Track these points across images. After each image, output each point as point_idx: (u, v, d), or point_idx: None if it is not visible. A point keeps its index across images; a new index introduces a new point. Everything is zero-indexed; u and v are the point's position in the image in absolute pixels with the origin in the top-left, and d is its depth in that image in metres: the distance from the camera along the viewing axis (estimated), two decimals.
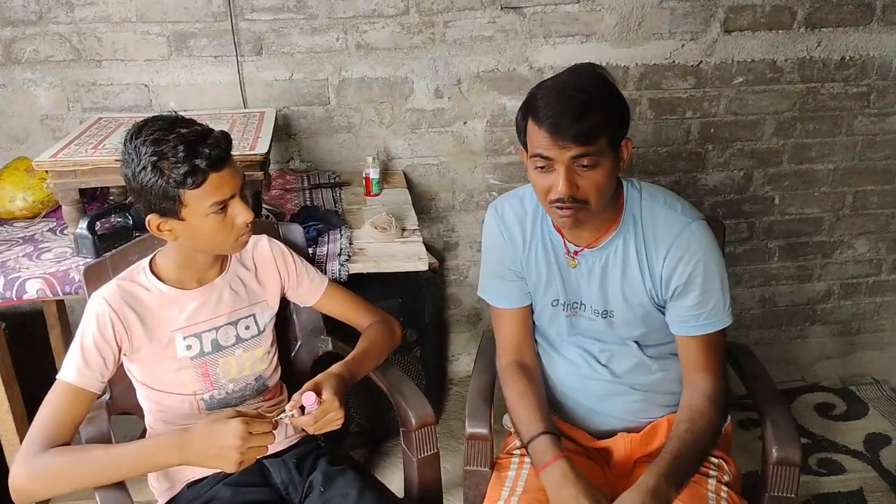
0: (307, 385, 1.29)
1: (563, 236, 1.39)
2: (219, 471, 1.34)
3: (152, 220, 1.26)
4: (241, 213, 1.28)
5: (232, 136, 1.30)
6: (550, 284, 1.42)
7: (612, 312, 1.40)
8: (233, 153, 1.28)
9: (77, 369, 1.25)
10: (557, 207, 1.24)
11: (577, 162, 1.20)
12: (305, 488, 1.41)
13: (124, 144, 1.23)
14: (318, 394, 1.27)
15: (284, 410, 1.26)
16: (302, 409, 1.26)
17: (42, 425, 1.21)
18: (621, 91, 1.27)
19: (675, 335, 1.38)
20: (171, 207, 1.23)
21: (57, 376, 1.26)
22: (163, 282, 1.37)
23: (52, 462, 1.18)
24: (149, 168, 1.19)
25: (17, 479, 1.17)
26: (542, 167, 1.23)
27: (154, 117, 1.24)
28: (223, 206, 1.25)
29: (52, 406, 1.23)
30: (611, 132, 1.21)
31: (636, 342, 1.43)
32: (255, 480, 1.41)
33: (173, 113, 1.26)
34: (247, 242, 1.36)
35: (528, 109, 1.24)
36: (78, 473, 1.18)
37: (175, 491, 1.40)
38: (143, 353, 1.34)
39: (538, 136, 1.21)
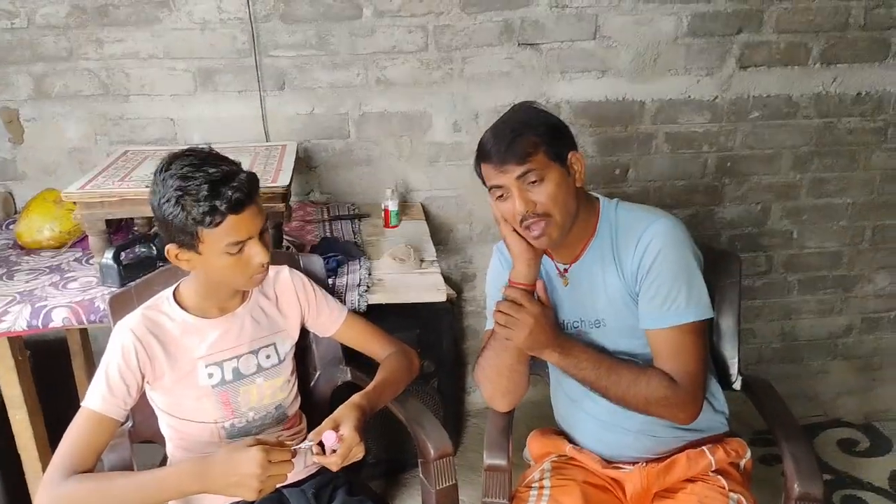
0: (327, 422, 1.29)
1: (552, 258, 1.47)
2: (238, 499, 1.34)
3: (171, 249, 1.29)
4: (257, 255, 1.29)
5: (255, 170, 1.33)
6: (552, 304, 1.46)
7: (602, 321, 1.43)
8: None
9: (101, 397, 1.27)
10: (526, 227, 1.34)
11: (524, 180, 1.32)
12: None
13: (155, 174, 1.27)
14: (337, 430, 1.27)
15: (305, 439, 1.26)
16: (321, 444, 1.27)
17: (66, 452, 1.23)
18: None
19: (645, 332, 1.39)
20: (188, 241, 1.26)
21: (82, 404, 1.28)
22: (186, 311, 1.39)
23: (76, 489, 1.19)
24: (172, 201, 1.22)
25: None
26: (500, 196, 1.35)
27: (188, 151, 1.27)
28: (240, 247, 1.27)
29: (76, 433, 1.25)
30: (546, 148, 1.32)
31: (636, 356, 1.43)
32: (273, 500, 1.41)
33: (207, 147, 1.30)
34: (261, 280, 1.38)
35: (478, 153, 1.39)
36: (100, 500, 1.20)
37: None
38: (165, 381, 1.36)
39: (488, 171, 1.35)
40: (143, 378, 1.33)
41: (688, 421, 1.38)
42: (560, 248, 1.44)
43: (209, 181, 1.21)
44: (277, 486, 1.20)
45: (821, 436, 2.54)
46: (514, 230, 1.36)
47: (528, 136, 1.31)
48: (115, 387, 1.28)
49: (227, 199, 1.22)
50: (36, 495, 1.21)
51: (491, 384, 1.47)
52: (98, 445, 1.26)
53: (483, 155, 1.36)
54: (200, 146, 1.30)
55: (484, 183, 1.40)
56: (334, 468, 1.27)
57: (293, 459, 1.20)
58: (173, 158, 1.26)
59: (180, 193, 1.22)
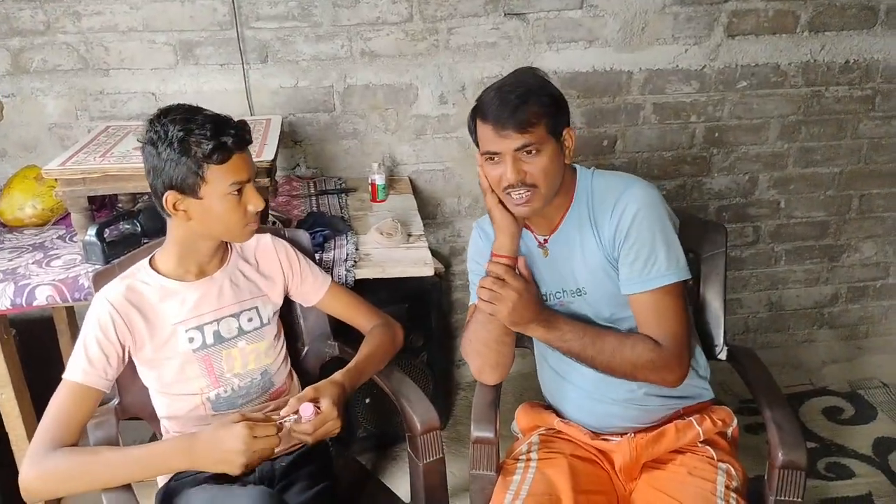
0: (308, 391, 1.31)
1: (531, 230, 1.46)
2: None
3: (170, 197, 1.29)
4: (253, 200, 1.33)
5: None
6: (534, 278, 1.46)
7: (583, 289, 1.43)
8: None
9: (82, 369, 1.27)
10: (510, 194, 1.33)
11: (522, 150, 1.30)
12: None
13: (150, 123, 1.28)
14: (317, 402, 1.29)
15: (288, 413, 1.27)
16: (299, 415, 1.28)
17: (49, 425, 1.23)
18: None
19: (626, 297, 1.39)
20: (191, 184, 1.27)
21: (63, 376, 1.28)
22: (163, 276, 1.39)
23: (62, 462, 1.19)
24: (176, 144, 1.24)
25: (26, 480, 1.19)
26: (491, 159, 1.34)
27: (178, 104, 1.31)
28: (240, 190, 1.30)
29: (58, 405, 1.25)
30: (548, 121, 1.32)
31: (617, 325, 1.43)
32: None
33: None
34: (253, 233, 1.39)
35: (476, 111, 1.36)
36: (87, 474, 1.20)
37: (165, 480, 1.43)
38: (147, 350, 1.36)
39: (485, 132, 1.33)
40: (123, 348, 1.33)
41: (676, 383, 1.39)
42: (539, 220, 1.44)
43: (212, 121, 1.26)
44: (264, 459, 1.20)
45: (806, 404, 2.57)
46: (500, 202, 1.35)
47: (532, 105, 1.30)
48: (95, 358, 1.28)
49: (232, 135, 1.27)
50: (21, 468, 1.20)
51: (479, 357, 1.47)
52: (81, 417, 1.27)
53: (483, 115, 1.33)
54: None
55: (475, 139, 1.38)
56: (308, 440, 1.29)
57: (280, 434, 1.21)
58: (167, 109, 1.29)
59: (184, 134, 1.24)
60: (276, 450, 1.23)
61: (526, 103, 1.29)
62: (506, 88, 1.32)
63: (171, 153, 1.25)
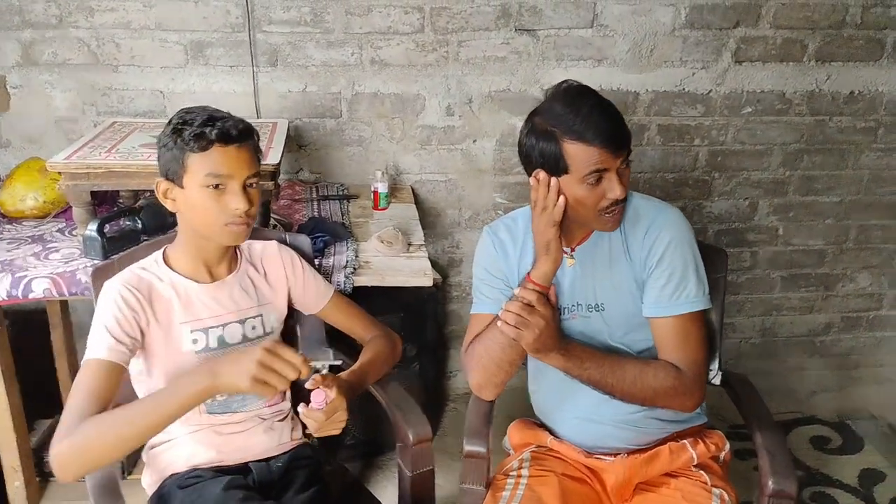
0: (322, 377, 1.29)
1: None
2: (200, 463, 1.38)
3: (161, 184, 1.33)
4: (235, 199, 1.29)
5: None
6: None
7: (602, 305, 1.43)
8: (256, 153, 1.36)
9: (105, 346, 1.24)
10: (609, 213, 1.33)
11: (623, 164, 1.31)
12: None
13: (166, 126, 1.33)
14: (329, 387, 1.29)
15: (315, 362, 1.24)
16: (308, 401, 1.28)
17: (76, 404, 1.18)
18: (632, 115, 1.43)
19: (649, 319, 1.40)
20: (175, 171, 1.29)
21: (84, 358, 1.24)
22: (176, 272, 1.39)
23: (90, 427, 1.14)
24: (170, 129, 1.29)
25: (59, 454, 1.13)
26: (593, 183, 1.29)
27: (205, 107, 1.34)
28: (218, 183, 1.29)
29: (84, 384, 1.21)
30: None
31: (629, 346, 1.44)
32: (237, 470, 1.42)
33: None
34: (239, 236, 1.36)
35: (569, 133, 1.28)
36: (118, 429, 1.14)
37: (159, 483, 1.42)
38: (153, 342, 1.35)
39: (591, 155, 1.27)
40: (139, 329, 1.31)
41: (693, 408, 1.41)
42: (569, 232, 1.42)
43: (209, 115, 1.30)
44: (278, 388, 1.14)
45: (794, 432, 2.57)
46: (559, 236, 1.32)
47: (621, 117, 1.32)
48: (117, 334, 1.26)
49: (218, 127, 1.28)
50: (51, 449, 1.14)
51: (485, 373, 1.44)
52: (108, 394, 1.21)
53: (581, 136, 1.26)
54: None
55: (555, 161, 1.30)
56: (314, 426, 1.28)
57: (301, 367, 1.15)
58: (190, 108, 1.33)
59: (179, 122, 1.29)
60: (283, 438, 1.18)
61: (620, 116, 1.31)
62: (598, 107, 1.29)
63: (165, 139, 1.30)
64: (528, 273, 1.36)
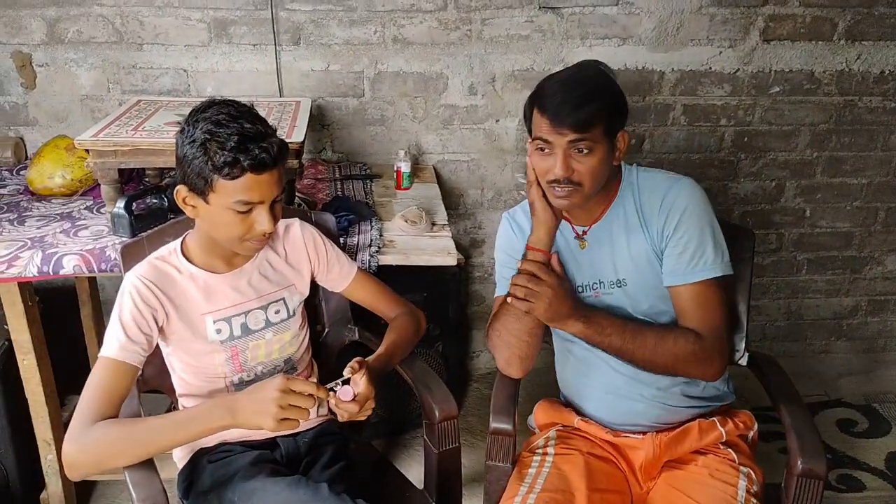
0: (354, 362, 1.31)
1: (569, 221, 1.46)
2: (229, 438, 1.40)
3: (181, 190, 1.28)
4: (262, 222, 1.27)
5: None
6: (566, 271, 1.46)
7: (623, 281, 1.43)
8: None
9: (119, 345, 1.26)
10: (554, 187, 1.34)
11: (574, 146, 1.30)
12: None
13: (189, 114, 1.26)
14: (361, 366, 1.30)
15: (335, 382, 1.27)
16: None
17: (89, 401, 1.22)
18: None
19: (668, 289, 1.40)
20: (201, 187, 1.24)
21: (99, 353, 1.27)
22: (193, 264, 1.39)
23: (103, 433, 1.18)
24: (197, 143, 1.21)
25: (69, 454, 1.18)
26: (542, 149, 1.33)
27: (228, 101, 1.26)
28: (249, 209, 1.26)
29: (96, 383, 1.24)
30: (606, 122, 1.31)
31: (654, 318, 1.43)
32: (265, 444, 1.44)
33: (249, 104, 1.28)
34: (256, 250, 1.38)
35: (535, 98, 1.35)
36: (129, 441, 1.19)
37: (189, 456, 1.45)
38: (174, 332, 1.37)
39: (541, 122, 1.32)
40: (157, 324, 1.32)
41: (716, 376, 1.41)
42: (578, 212, 1.44)
43: (240, 134, 1.20)
44: (300, 420, 1.18)
45: (820, 415, 2.55)
46: (542, 195, 1.35)
47: (594, 106, 1.29)
48: (131, 333, 1.28)
49: (252, 156, 1.20)
50: (63, 446, 1.19)
51: (509, 349, 1.46)
52: (120, 393, 1.25)
53: (541, 105, 1.32)
54: (243, 101, 1.29)
55: (528, 125, 1.38)
56: (344, 416, 1.28)
57: (323, 398, 1.20)
58: (212, 103, 1.25)
59: (208, 137, 1.20)
60: (311, 414, 1.20)
61: (588, 103, 1.29)
62: (571, 83, 1.32)
63: (190, 151, 1.22)
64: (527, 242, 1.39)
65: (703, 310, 1.37)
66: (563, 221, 1.46)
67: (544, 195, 1.36)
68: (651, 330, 1.38)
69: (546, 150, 1.32)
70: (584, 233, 1.46)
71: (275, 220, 1.29)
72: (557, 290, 1.34)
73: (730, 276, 1.40)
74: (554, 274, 1.36)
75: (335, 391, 1.26)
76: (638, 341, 1.36)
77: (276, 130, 1.28)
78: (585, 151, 1.30)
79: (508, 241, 1.53)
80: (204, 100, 1.28)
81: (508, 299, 1.38)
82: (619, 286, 1.44)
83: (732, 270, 1.41)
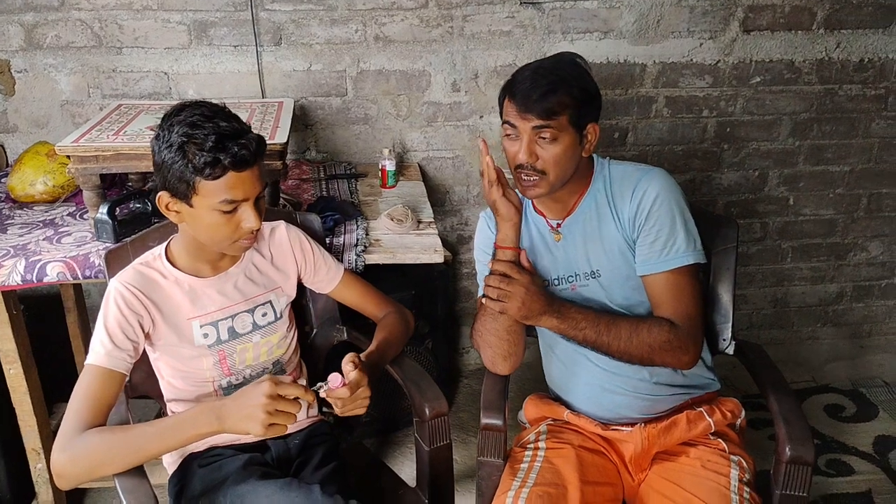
0: (349, 356, 1.30)
1: (543, 215, 1.48)
2: (218, 442, 1.39)
3: (163, 197, 1.26)
4: (248, 219, 1.27)
5: (252, 127, 1.30)
6: (541, 265, 1.48)
7: (598, 272, 1.44)
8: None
9: (105, 352, 1.26)
10: (519, 174, 1.37)
11: (538, 133, 1.33)
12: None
13: (163, 119, 1.24)
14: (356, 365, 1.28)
15: (320, 383, 1.26)
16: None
17: (76, 410, 1.21)
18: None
19: (642, 278, 1.41)
20: (183, 191, 1.23)
21: (85, 361, 1.27)
22: (178, 269, 1.38)
23: (91, 442, 1.18)
24: (175, 147, 1.20)
25: (59, 464, 1.17)
26: (509, 134, 1.38)
27: (200, 102, 1.25)
28: (233, 207, 1.25)
29: (84, 390, 1.23)
30: (572, 112, 1.34)
31: (629, 310, 1.44)
32: (256, 446, 1.44)
33: (221, 104, 1.27)
34: (245, 248, 1.36)
35: (507, 84, 1.39)
36: (118, 449, 1.18)
37: (179, 461, 1.44)
38: (161, 338, 1.36)
39: (509, 107, 1.36)
40: (142, 330, 1.32)
41: (691, 364, 1.41)
42: (552, 204, 1.47)
43: (217, 133, 1.19)
44: (287, 424, 1.17)
45: (808, 401, 2.57)
46: (503, 194, 1.35)
47: (561, 95, 1.32)
48: (118, 340, 1.27)
49: (231, 153, 1.20)
50: (52, 455, 1.18)
51: (491, 348, 1.47)
52: (107, 401, 1.24)
53: (511, 91, 1.36)
54: (213, 101, 1.27)
55: (501, 108, 1.41)
56: (339, 405, 1.27)
57: (309, 400, 1.19)
58: (185, 106, 1.24)
59: (185, 140, 1.19)
60: (300, 416, 1.20)
61: (555, 92, 1.31)
62: (541, 71, 1.34)
63: (168, 155, 1.20)
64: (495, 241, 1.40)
65: (676, 298, 1.38)
66: (538, 215, 1.48)
67: (504, 194, 1.35)
68: (625, 321, 1.39)
69: (512, 136, 1.36)
70: (559, 225, 1.47)
71: (259, 214, 1.29)
72: (530, 287, 1.34)
73: (702, 264, 1.42)
74: (525, 271, 1.36)
75: (318, 392, 1.25)
76: (612, 333, 1.37)
77: (251, 127, 1.28)
78: (548, 138, 1.33)
79: (486, 240, 1.54)
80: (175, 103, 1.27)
81: (483, 300, 1.39)
82: (594, 277, 1.45)
83: (705, 258, 1.42)
